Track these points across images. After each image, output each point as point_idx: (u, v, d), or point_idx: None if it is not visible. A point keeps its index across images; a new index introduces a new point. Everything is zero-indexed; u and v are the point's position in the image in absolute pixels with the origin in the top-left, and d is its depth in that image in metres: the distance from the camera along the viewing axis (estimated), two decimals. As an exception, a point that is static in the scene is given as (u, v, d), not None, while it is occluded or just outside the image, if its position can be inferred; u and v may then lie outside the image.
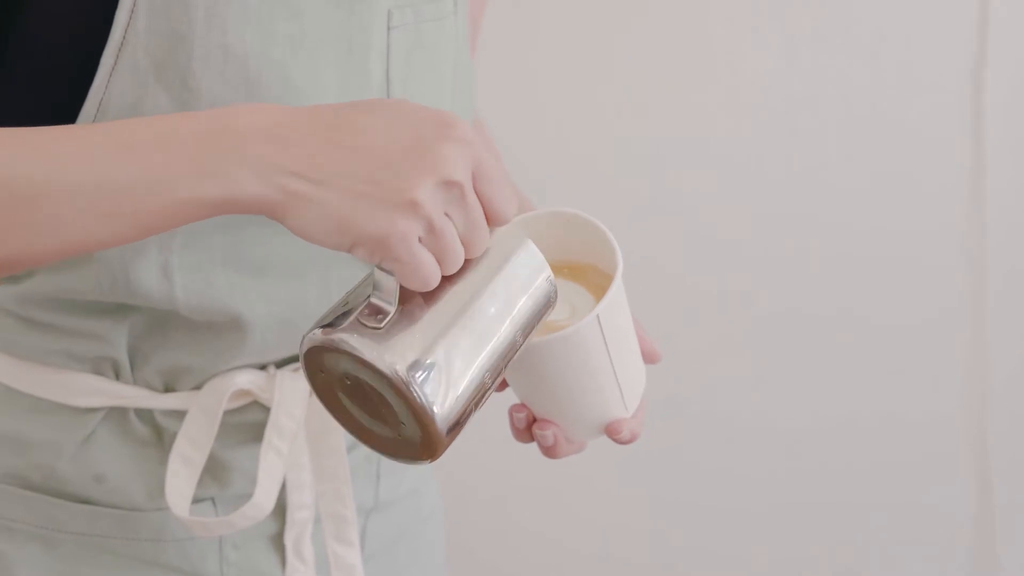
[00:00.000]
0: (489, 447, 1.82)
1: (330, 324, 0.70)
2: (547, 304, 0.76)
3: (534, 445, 0.89)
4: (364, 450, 1.03)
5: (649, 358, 0.90)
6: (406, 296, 0.69)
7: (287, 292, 0.91)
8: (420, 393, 0.68)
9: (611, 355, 0.83)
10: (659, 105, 1.80)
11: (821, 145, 1.82)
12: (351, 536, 1.00)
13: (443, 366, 0.69)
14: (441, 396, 0.69)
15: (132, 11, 0.80)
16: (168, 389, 0.94)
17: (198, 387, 0.94)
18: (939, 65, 1.81)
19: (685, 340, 1.80)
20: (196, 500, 0.95)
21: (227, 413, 0.95)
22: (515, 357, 0.74)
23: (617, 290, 0.81)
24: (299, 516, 0.98)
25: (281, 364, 0.96)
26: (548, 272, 0.76)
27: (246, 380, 0.94)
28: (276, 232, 0.88)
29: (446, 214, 0.68)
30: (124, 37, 0.80)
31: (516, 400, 0.88)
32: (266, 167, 0.67)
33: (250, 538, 0.98)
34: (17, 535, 0.94)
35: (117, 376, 0.93)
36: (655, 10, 1.77)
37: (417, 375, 0.68)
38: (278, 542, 0.99)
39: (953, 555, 1.99)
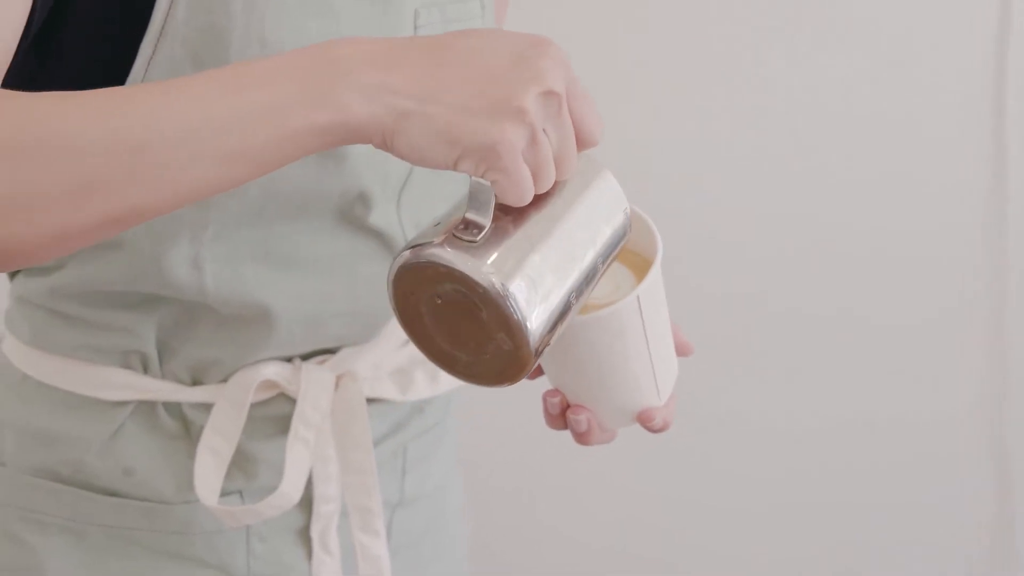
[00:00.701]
0: (509, 444, 1.84)
1: (423, 244, 0.70)
2: (624, 235, 0.77)
3: (561, 438, 0.89)
4: (390, 445, 1.03)
5: (682, 350, 0.91)
6: (497, 214, 0.70)
7: (314, 287, 0.92)
8: (516, 305, 0.69)
9: (648, 339, 0.83)
10: (672, 105, 1.81)
11: (835, 144, 1.83)
12: (377, 527, 1.00)
13: (536, 281, 0.70)
14: (535, 309, 0.70)
15: (172, 2, 0.81)
16: (196, 382, 0.95)
17: (225, 380, 0.95)
18: (954, 63, 1.81)
19: (698, 339, 1.81)
20: (224, 493, 0.96)
21: (254, 406, 0.95)
22: (595, 283, 0.75)
23: (657, 274, 0.82)
24: (325, 509, 0.99)
25: (307, 357, 0.97)
26: (626, 204, 0.77)
27: (272, 372, 0.95)
28: (304, 228, 0.90)
29: (543, 130, 0.69)
30: (163, 28, 0.81)
31: (549, 388, 0.88)
32: (373, 89, 0.67)
33: (277, 531, 0.99)
34: (48, 528, 0.95)
35: (145, 370, 0.94)
36: (670, 11, 1.77)
37: (513, 287, 0.69)
38: (304, 535, 1.00)
39: (969, 556, 1.99)
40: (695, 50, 1.79)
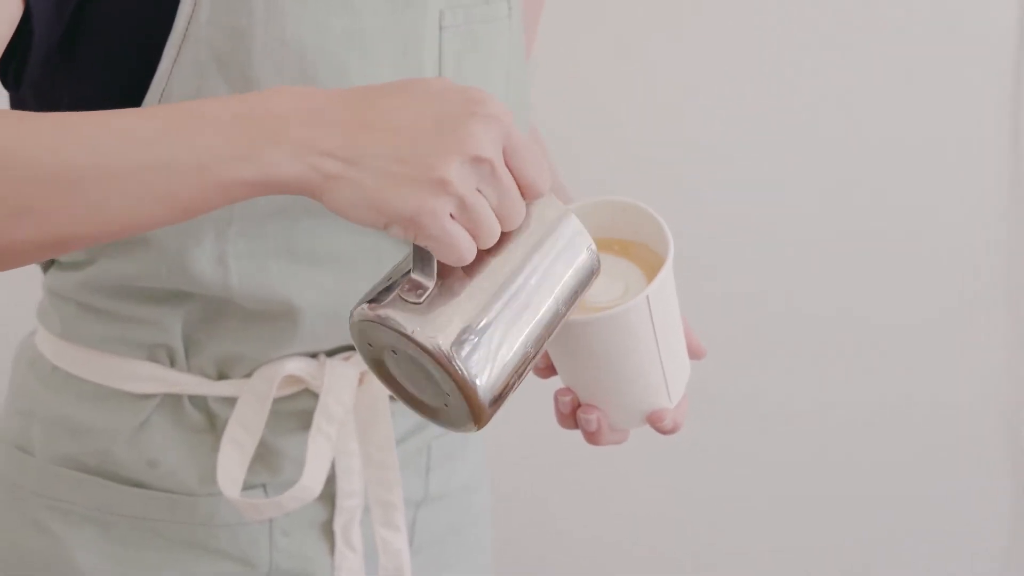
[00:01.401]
0: (531, 445, 1.83)
1: (374, 300, 0.71)
2: (590, 274, 0.76)
3: (576, 436, 0.90)
4: (415, 442, 1.04)
5: (694, 353, 0.91)
6: (446, 271, 0.71)
7: (339, 283, 0.93)
8: (462, 366, 0.69)
9: (658, 340, 0.83)
10: (699, 105, 1.81)
11: (847, 141, 1.83)
12: (398, 522, 1.01)
13: (484, 339, 0.70)
14: (483, 368, 0.70)
15: (195, 5, 0.82)
16: (221, 376, 0.96)
17: (250, 374, 0.95)
18: (967, 57, 1.80)
19: (713, 334, 1.80)
20: (248, 487, 0.97)
21: (278, 401, 0.96)
22: (559, 329, 0.75)
23: (667, 273, 0.82)
24: (348, 503, 1.00)
25: (331, 353, 0.98)
26: (590, 241, 0.76)
27: (296, 367, 0.95)
28: (329, 224, 0.90)
29: (478, 190, 0.69)
30: (187, 30, 0.82)
31: (562, 385, 0.88)
32: (302, 149, 0.68)
33: (299, 524, 0.99)
34: (73, 518, 0.96)
35: (172, 363, 0.95)
36: (680, 10, 1.77)
37: (458, 348, 0.69)
38: (327, 529, 1.00)
39: (980, 551, 1.98)
40: (702, 49, 1.79)
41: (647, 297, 0.81)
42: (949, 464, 1.95)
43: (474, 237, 0.69)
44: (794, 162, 1.83)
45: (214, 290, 0.90)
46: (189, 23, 0.82)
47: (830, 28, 1.79)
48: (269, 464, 0.97)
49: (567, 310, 0.75)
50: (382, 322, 0.70)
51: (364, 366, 0.97)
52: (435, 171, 0.67)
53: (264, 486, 0.98)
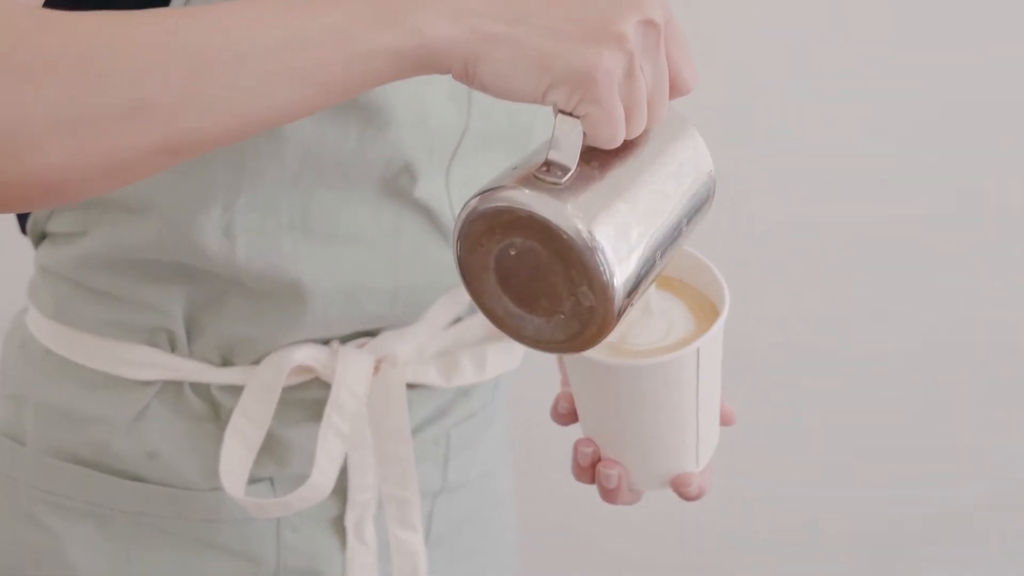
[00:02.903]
0: (559, 435, 1.79)
1: (500, 186, 0.65)
2: (707, 200, 0.71)
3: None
4: (432, 431, 0.98)
5: (725, 419, 0.84)
6: (580, 161, 0.65)
7: (353, 262, 0.87)
8: (602, 254, 0.63)
9: (699, 397, 0.77)
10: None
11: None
12: (414, 520, 0.95)
13: (624, 230, 0.64)
14: (622, 260, 0.64)
15: None
16: (225, 363, 0.90)
17: (257, 362, 0.90)
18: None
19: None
20: (254, 480, 0.91)
21: (287, 389, 0.91)
22: (679, 244, 0.70)
23: (720, 328, 0.76)
24: (361, 498, 0.94)
25: (345, 340, 0.92)
26: (712, 167, 0.72)
27: (306, 355, 0.90)
28: (346, 199, 0.85)
29: (640, 66, 0.64)
30: None
31: (582, 436, 0.82)
32: (457, 11, 0.62)
33: (309, 520, 0.94)
34: (70, 512, 0.91)
35: (173, 348, 0.90)
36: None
37: (600, 234, 0.63)
38: (339, 524, 0.95)
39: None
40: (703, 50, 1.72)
41: (698, 350, 0.74)
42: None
43: (627, 116, 0.64)
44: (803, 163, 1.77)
45: (219, 265, 0.84)
46: None
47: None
48: (276, 456, 0.92)
49: (687, 229, 0.70)
50: (517, 204, 0.63)
51: (380, 354, 0.92)
52: (614, 25, 0.61)
53: (271, 480, 0.92)
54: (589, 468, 0.81)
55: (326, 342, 0.91)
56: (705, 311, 0.78)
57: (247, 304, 0.88)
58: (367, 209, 0.86)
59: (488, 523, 1.06)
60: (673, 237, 0.68)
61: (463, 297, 0.99)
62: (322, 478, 0.89)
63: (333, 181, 0.84)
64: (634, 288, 0.65)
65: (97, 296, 0.89)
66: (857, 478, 1.91)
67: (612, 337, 0.73)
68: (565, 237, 0.63)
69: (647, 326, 0.77)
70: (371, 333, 0.93)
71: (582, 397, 0.80)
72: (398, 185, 0.87)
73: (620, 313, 0.65)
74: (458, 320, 0.98)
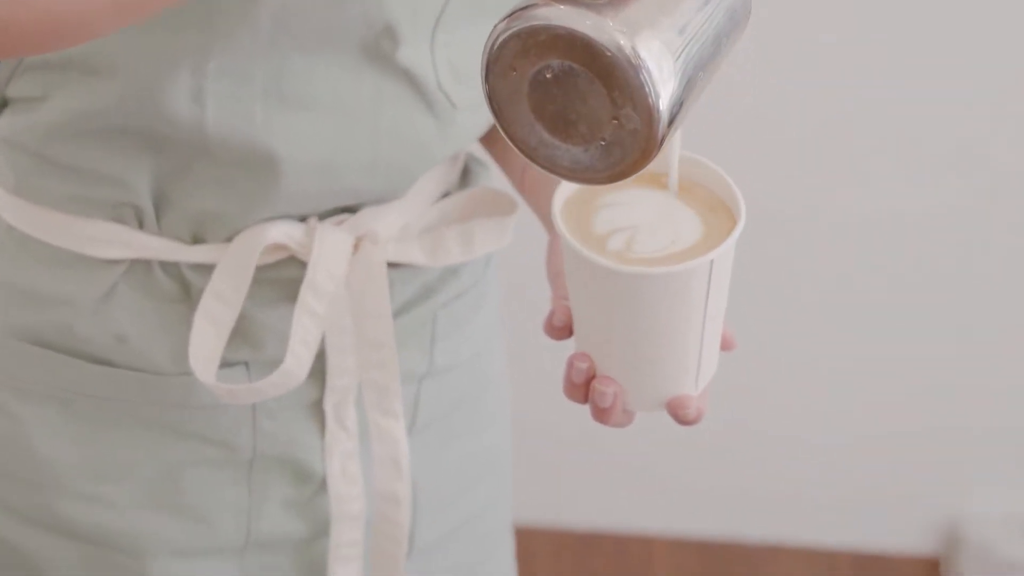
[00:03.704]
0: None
1: (532, 4, 0.61)
2: (746, 15, 0.68)
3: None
4: (418, 313, 0.93)
5: (726, 343, 0.80)
6: None
7: (331, 132, 0.83)
8: (647, 69, 0.60)
9: (707, 313, 0.72)
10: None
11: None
12: (395, 407, 0.91)
13: (667, 47, 0.62)
14: (667, 80, 0.61)
15: None
16: (197, 241, 0.86)
17: (229, 239, 0.85)
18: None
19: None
20: (228, 364, 0.87)
21: (262, 268, 0.86)
22: (719, 64, 0.67)
23: (733, 241, 0.71)
24: (340, 383, 0.90)
25: (324, 217, 0.87)
26: None
27: (281, 232, 0.85)
28: (324, 64, 0.81)
29: None
30: None
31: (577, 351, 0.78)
32: None
33: (286, 406, 0.90)
34: (32, 396, 0.88)
35: (140, 225, 0.85)
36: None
37: (643, 48, 0.60)
38: (318, 410, 0.91)
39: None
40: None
41: (711, 262, 0.70)
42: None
43: None
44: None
45: (187, 133, 0.80)
46: None
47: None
48: (251, 338, 0.87)
49: (727, 47, 0.67)
50: (555, 21, 0.60)
51: (360, 231, 0.88)
52: None
53: (246, 364, 0.88)
54: (583, 385, 0.76)
55: (303, 219, 0.87)
56: (718, 215, 0.73)
57: (218, 177, 0.83)
58: (346, 75, 0.82)
59: (480, 404, 1.02)
60: (713, 54, 0.66)
61: (450, 172, 0.94)
62: (295, 363, 0.85)
63: (309, 45, 0.80)
64: (679, 109, 0.63)
65: (60, 169, 0.84)
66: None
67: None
68: (608, 55, 0.60)
69: (654, 230, 0.72)
70: (351, 210, 0.88)
71: (580, 307, 0.75)
72: (379, 49, 0.82)
73: (663, 138, 0.63)
74: (446, 195, 0.93)
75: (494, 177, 0.98)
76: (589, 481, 2.01)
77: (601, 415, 0.76)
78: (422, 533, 0.98)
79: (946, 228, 1.82)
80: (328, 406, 0.91)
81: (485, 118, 0.88)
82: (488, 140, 0.97)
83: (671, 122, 0.62)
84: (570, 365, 0.76)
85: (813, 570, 1.99)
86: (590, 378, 0.76)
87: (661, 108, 0.61)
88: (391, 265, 0.89)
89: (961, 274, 1.84)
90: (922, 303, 1.86)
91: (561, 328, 0.78)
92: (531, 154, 0.66)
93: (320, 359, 0.89)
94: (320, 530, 0.93)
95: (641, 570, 2.02)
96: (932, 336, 1.88)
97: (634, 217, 0.73)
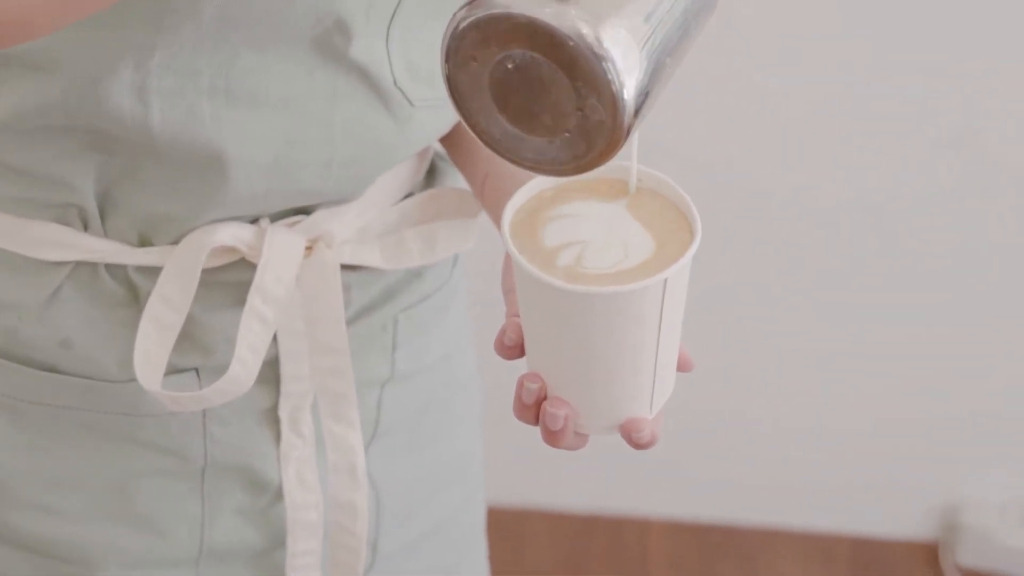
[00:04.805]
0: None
1: None
2: (712, 4, 0.66)
3: None
4: (378, 317, 0.91)
5: (683, 364, 0.76)
6: None
7: (282, 129, 0.80)
8: (612, 62, 0.59)
9: (660, 334, 0.69)
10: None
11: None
12: (350, 415, 0.89)
13: (632, 34, 0.60)
14: (632, 68, 0.60)
15: None
16: (143, 243, 0.83)
17: (177, 242, 0.83)
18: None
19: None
20: (178, 370, 0.85)
21: (211, 271, 0.84)
22: (687, 49, 0.65)
23: (689, 259, 0.68)
24: (295, 388, 0.87)
25: (277, 218, 0.85)
26: None
27: (230, 234, 0.82)
28: (274, 60, 0.78)
29: None
30: None
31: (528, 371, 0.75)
32: None
33: (239, 413, 0.87)
34: None
35: (86, 227, 0.83)
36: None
37: (607, 37, 0.59)
38: (272, 417, 0.88)
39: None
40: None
41: (665, 281, 0.67)
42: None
43: None
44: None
45: (132, 132, 0.77)
46: None
47: None
48: (200, 344, 0.85)
49: (695, 31, 0.65)
50: (515, 9, 0.59)
51: (313, 233, 0.85)
52: None
53: (196, 370, 0.86)
54: (533, 407, 0.73)
55: (255, 220, 0.84)
56: (671, 229, 0.70)
57: (164, 177, 0.80)
58: (298, 72, 0.79)
59: (449, 407, 1.00)
60: (681, 38, 0.64)
61: (414, 172, 0.91)
62: (242, 370, 0.82)
63: (258, 39, 0.77)
64: (645, 98, 0.61)
65: (1, 169, 0.82)
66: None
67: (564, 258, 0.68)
68: (570, 44, 0.59)
69: (604, 246, 0.69)
70: (306, 211, 0.85)
71: (530, 325, 0.72)
72: (332, 45, 0.79)
73: (630, 129, 0.61)
74: (408, 196, 0.90)
75: (462, 177, 0.95)
76: (586, 464, 1.99)
77: (552, 438, 0.73)
78: (387, 540, 0.96)
79: (941, 217, 1.80)
80: (283, 413, 0.88)
81: (445, 117, 0.85)
82: (449, 144, 0.94)
83: (637, 112, 0.61)
84: (520, 385, 0.73)
85: (811, 555, 1.98)
86: (541, 399, 0.73)
87: (627, 98, 0.60)
88: (350, 268, 0.87)
89: (961, 261, 1.82)
90: (920, 290, 1.85)
91: (512, 347, 0.75)
92: (494, 145, 0.64)
93: (274, 365, 0.87)
94: (277, 540, 0.91)
95: (638, 553, 2.01)
96: (932, 322, 1.87)
97: (585, 231, 0.70)
